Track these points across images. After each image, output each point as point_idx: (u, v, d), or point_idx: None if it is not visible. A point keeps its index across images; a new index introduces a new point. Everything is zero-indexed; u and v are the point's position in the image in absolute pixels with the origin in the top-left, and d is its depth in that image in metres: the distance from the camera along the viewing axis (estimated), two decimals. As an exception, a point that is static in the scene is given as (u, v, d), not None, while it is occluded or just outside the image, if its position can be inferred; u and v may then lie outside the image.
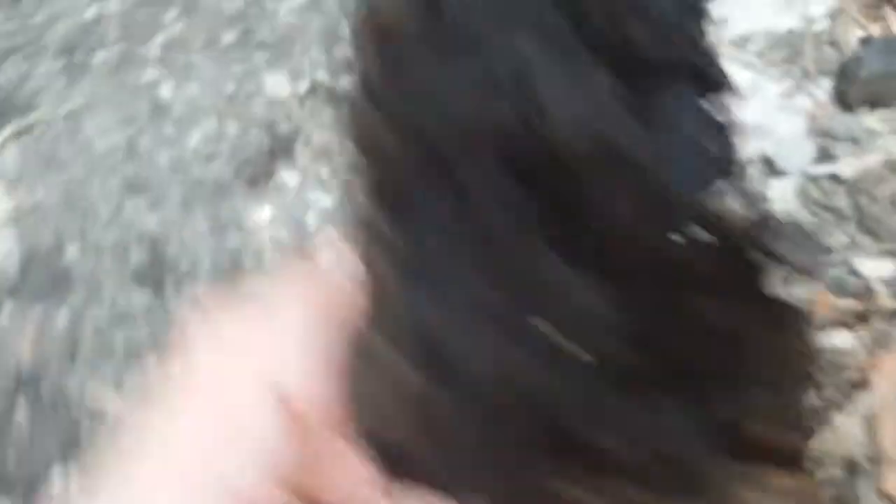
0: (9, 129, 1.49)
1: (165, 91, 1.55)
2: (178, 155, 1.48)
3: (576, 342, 0.18)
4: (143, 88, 1.56)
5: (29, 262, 1.39)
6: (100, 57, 1.59)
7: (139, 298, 1.36)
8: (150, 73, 1.57)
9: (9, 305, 1.34)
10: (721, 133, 0.19)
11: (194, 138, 1.49)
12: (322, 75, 1.54)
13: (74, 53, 1.60)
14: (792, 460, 0.22)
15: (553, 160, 0.18)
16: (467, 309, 0.19)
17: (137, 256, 1.39)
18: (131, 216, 1.42)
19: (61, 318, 1.34)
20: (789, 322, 0.22)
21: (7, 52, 1.58)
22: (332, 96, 1.53)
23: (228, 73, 1.56)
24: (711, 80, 0.20)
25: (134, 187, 1.45)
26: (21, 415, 1.26)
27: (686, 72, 0.19)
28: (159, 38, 1.61)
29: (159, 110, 1.53)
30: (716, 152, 0.19)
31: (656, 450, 0.19)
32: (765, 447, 0.21)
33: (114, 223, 1.41)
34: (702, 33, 0.20)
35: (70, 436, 1.25)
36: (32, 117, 1.51)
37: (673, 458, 0.20)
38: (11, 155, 1.48)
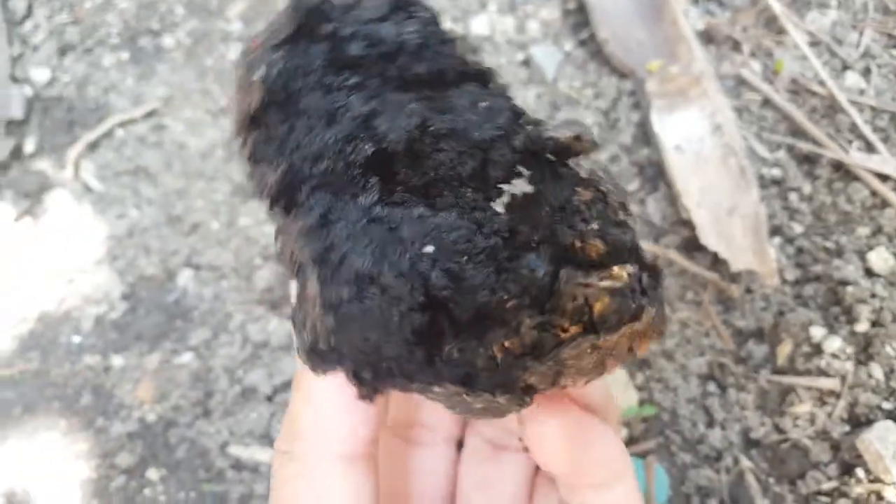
0: (81, 142, 1.24)
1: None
2: (292, 146, 1.21)
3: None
4: (230, 71, 1.28)
5: (136, 295, 1.14)
6: (170, 40, 1.32)
7: (275, 326, 1.12)
8: (234, 51, 1.29)
9: (118, 347, 1.11)
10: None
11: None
12: (447, 23, 1.25)
13: (139, 40, 1.32)
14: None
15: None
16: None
17: (264, 275, 1.14)
18: (249, 227, 1.17)
19: (185, 358, 1.10)
20: None
21: (62, 50, 1.31)
22: (466, 46, 1.25)
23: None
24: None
25: (246, 192, 1.19)
26: (153, 472, 1.05)
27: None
28: (237, 6, 1.33)
29: (257, 95, 1.26)
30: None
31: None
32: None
33: (230, 238, 1.15)
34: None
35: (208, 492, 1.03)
36: (106, 123, 1.25)
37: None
38: (90, 171, 1.22)
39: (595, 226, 0.29)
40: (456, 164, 0.30)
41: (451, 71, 0.32)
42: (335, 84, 0.30)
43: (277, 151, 0.30)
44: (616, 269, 0.28)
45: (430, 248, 0.28)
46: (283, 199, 0.31)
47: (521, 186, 0.30)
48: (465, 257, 0.28)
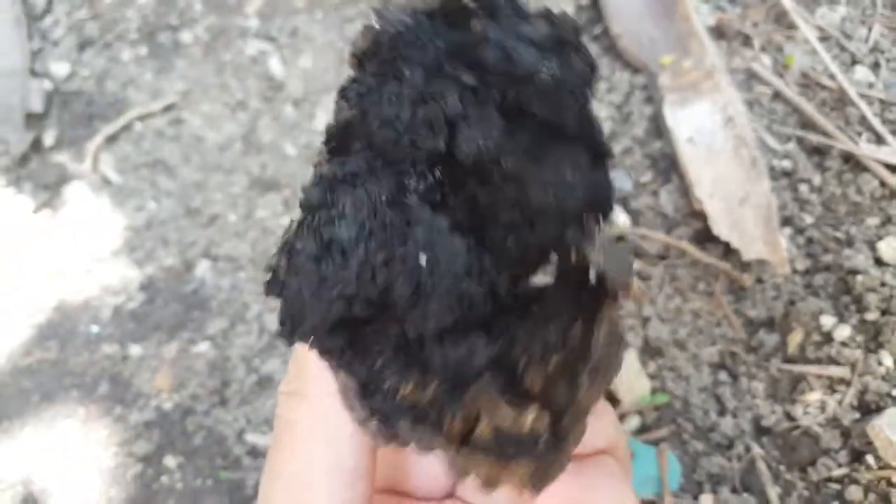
0: (100, 135, 1.26)
1: (275, 65, 1.29)
2: (307, 141, 1.23)
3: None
4: (247, 66, 1.30)
5: (153, 286, 1.16)
6: (188, 35, 1.34)
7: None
8: (251, 47, 1.32)
9: (136, 336, 1.13)
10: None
11: (321, 118, 1.24)
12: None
13: (158, 35, 1.35)
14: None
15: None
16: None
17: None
18: (267, 219, 1.19)
19: (203, 347, 1.12)
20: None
21: (81, 45, 1.33)
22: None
23: (345, 33, 1.30)
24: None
25: (263, 185, 1.21)
26: (170, 460, 1.06)
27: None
28: (254, 3, 1.35)
29: (273, 90, 1.28)
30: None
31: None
32: None
33: (247, 230, 1.17)
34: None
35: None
36: (125, 117, 1.27)
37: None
38: (109, 164, 1.24)
39: (550, 368, 0.29)
40: (505, 211, 0.30)
41: (570, 128, 0.31)
42: (446, 72, 0.29)
43: (358, 97, 0.31)
44: (528, 414, 0.28)
45: (422, 260, 0.29)
46: (338, 140, 0.32)
47: (541, 279, 0.32)
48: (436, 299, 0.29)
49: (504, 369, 0.29)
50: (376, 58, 0.30)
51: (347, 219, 0.29)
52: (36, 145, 1.25)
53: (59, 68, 1.30)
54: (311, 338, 0.31)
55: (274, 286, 0.31)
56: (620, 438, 0.39)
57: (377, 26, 0.30)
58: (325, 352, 0.31)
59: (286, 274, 0.31)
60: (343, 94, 0.31)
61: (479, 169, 0.30)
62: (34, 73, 1.29)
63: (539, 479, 0.29)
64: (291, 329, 0.31)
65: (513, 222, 0.30)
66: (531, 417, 0.28)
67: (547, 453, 0.29)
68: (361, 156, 0.31)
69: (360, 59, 0.31)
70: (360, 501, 0.33)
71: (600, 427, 0.36)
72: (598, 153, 0.32)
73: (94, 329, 1.14)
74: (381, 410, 0.30)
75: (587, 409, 0.29)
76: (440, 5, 0.30)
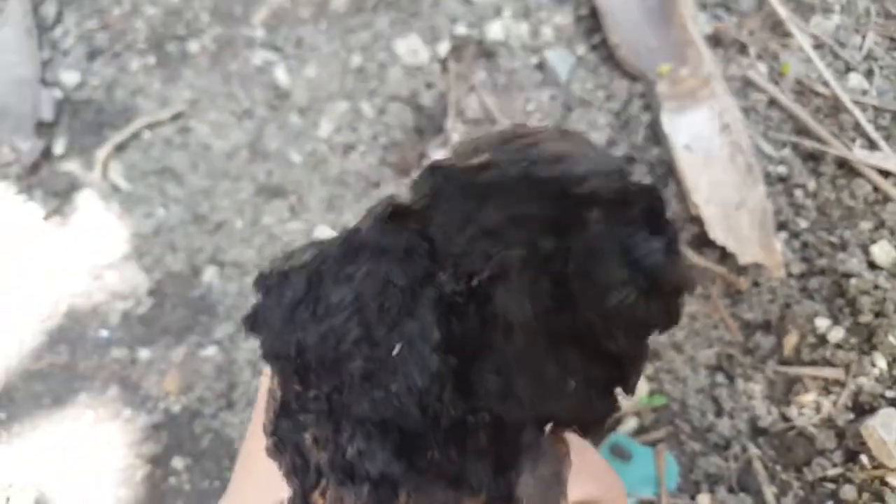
0: (109, 143, 1.28)
1: (281, 75, 1.32)
2: (312, 148, 1.25)
3: None
4: (253, 75, 1.33)
5: (162, 291, 1.19)
6: (196, 45, 1.37)
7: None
8: (258, 57, 1.34)
9: (145, 340, 1.15)
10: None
11: (325, 127, 1.27)
12: (463, 28, 1.30)
13: (166, 45, 1.37)
14: None
15: None
16: None
17: (285, 272, 1.18)
18: (273, 225, 1.21)
19: (210, 351, 1.14)
20: None
21: (91, 55, 1.36)
22: (481, 50, 1.29)
23: (350, 43, 1.33)
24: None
25: (269, 191, 1.23)
26: (178, 462, 1.08)
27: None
28: (260, 14, 1.38)
29: (279, 98, 1.30)
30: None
31: None
32: None
33: (254, 236, 1.20)
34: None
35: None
36: (134, 125, 1.29)
37: None
38: (118, 171, 1.27)
39: None
40: (490, 387, 0.31)
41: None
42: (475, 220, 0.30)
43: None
44: None
45: (395, 349, 0.31)
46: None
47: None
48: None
49: (387, 487, 0.30)
50: (470, 177, 0.31)
51: (349, 286, 0.31)
52: (46, 153, 1.28)
53: (70, 77, 1.33)
54: (266, 344, 0.33)
55: (260, 284, 0.33)
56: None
57: (483, 158, 0.30)
58: (267, 358, 0.33)
59: (270, 287, 0.33)
60: (432, 171, 0.31)
61: (495, 322, 0.30)
62: (45, 83, 1.32)
63: None
64: (255, 326, 0.33)
65: (488, 385, 0.31)
66: None
67: None
68: (410, 235, 0.32)
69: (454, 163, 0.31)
70: None
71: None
72: (621, 386, 0.33)
73: (104, 333, 1.16)
74: (281, 435, 0.32)
75: None
76: (556, 176, 0.29)
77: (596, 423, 0.33)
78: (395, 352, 0.30)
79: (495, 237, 0.29)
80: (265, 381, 0.37)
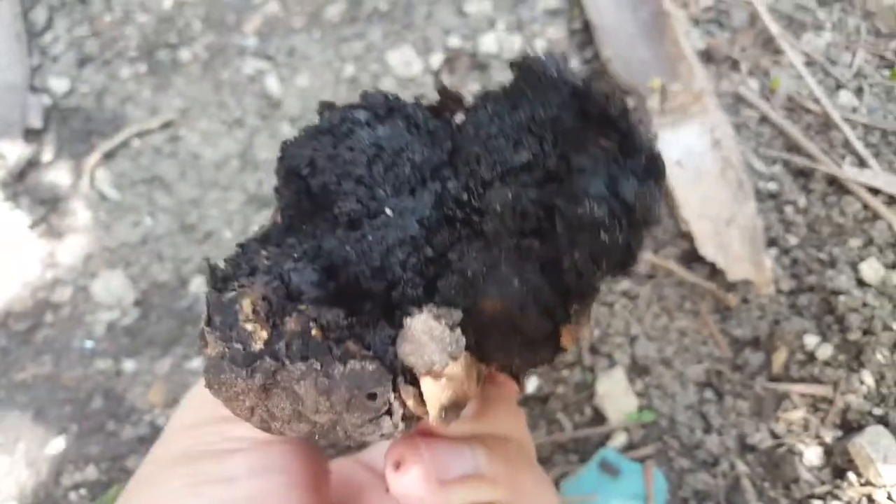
0: (98, 151, 1.27)
1: (272, 84, 1.31)
2: (303, 157, 1.24)
3: None
4: (245, 84, 1.32)
5: (148, 301, 1.18)
6: (187, 53, 1.36)
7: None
8: (249, 66, 1.34)
9: (130, 352, 1.14)
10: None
11: (316, 135, 1.26)
12: (456, 41, 1.30)
13: (157, 53, 1.37)
14: None
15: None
16: None
17: (274, 283, 1.17)
18: (261, 236, 1.20)
19: (196, 363, 1.13)
20: None
21: (81, 61, 1.35)
22: (475, 63, 1.29)
23: (342, 53, 1.32)
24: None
25: (259, 201, 1.23)
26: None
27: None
28: (253, 23, 1.37)
29: (270, 108, 1.30)
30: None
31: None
32: None
33: (242, 247, 1.18)
34: None
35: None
36: (123, 133, 1.28)
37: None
38: (106, 180, 1.26)
39: (314, 330, 0.31)
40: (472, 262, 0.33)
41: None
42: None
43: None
44: (254, 325, 0.30)
45: (388, 211, 0.33)
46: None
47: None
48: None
49: (295, 294, 0.32)
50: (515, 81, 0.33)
51: (372, 135, 0.34)
52: (34, 161, 1.27)
53: (59, 84, 1.32)
54: (283, 163, 0.35)
55: (325, 109, 0.37)
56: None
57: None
58: (277, 173, 0.36)
59: (325, 110, 0.37)
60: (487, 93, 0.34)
61: (486, 219, 0.32)
62: (33, 89, 1.31)
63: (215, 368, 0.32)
64: (286, 145, 0.36)
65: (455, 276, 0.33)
66: (253, 328, 0.30)
67: (236, 360, 0.31)
68: (443, 125, 0.36)
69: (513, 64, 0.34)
70: None
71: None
72: (552, 339, 0.34)
73: (88, 344, 1.15)
74: (268, 251, 0.34)
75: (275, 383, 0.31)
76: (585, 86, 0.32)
77: (526, 350, 0.34)
78: (387, 210, 0.32)
79: (511, 141, 0.32)
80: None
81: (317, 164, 0.34)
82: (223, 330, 0.30)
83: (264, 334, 0.30)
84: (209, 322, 0.31)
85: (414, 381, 0.31)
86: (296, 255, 0.33)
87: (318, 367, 0.29)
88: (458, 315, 0.30)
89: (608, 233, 0.30)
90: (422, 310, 0.30)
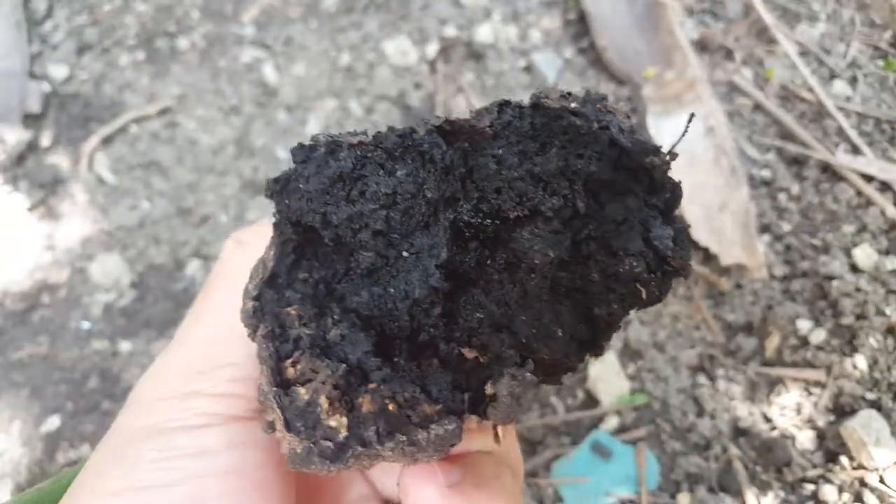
0: (96, 136, 1.28)
1: (269, 72, 1.32)
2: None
3: None
4: (242, 72, 1.33)
5: (144, 283, 1.18)
6: (185, 42, 1.37)
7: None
8: (246, 54, 1.35)
9: (126, 333, 1.14)
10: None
11: (313, 124, 1.27)
12: (452, 30, 1.30)
13: (155, 41, 1.38)
14: None
15: None
16: None
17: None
18: (257, 220, 1.21)
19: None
20: None
21: (80, 49, 1.36)
22: (470, 52, 1.29)
23: (339, 43, 1.33)
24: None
25: (255, 187, 1.23)
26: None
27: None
28: (251, 12, 1.38)
29: (266, 96, 1.31)
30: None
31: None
32: None
33: (238, 230, 1.19)
34: None
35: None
36: (121, 119, 1.29)
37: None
38: (104, 164, 1.26)
39: (390, 406, 0.31)
40: (494, 299, 0.33)
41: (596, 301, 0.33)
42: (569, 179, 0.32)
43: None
44: (339, 418, 0.31)
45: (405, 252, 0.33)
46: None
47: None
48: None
49: (357, 375, 0.32)
50: (546, 119, 0.33)
51: (388, 182, 0.33)
52: (33, 145, 1.28)
53: (58, 71, 1.33)
54: (283, 211, 0.34)
55: (302, 153, 0.34)
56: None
57: (572, 105, 0.32)
58: (277, 225, 0.34)
59: (316, 156, 0.34)
60: (502, 106, 0.33)
61: (512, 258, 0.33)
62: (33, 76, 1.32)
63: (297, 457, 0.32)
64: (280, 191, 0.34)
65: (489, 311, 0.33)
66: (335, 423, 0.31)
67: (318, 451, 0.31)
68: (454, 153, 0.34)
69: (538, 105, 0.33)
70: None
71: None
72: (594, 347, 0.35)
73: (85, 325, 1.15)
74: (262, 304, 0.33)
75: (371, 460, 0.32)
76: (631, 144, 0.31)
77: (560, 374, 0.35)
78: (404, 254, 0.32)
79: (540, 183, 0.32)
80: (230, 247, 0.38)
81: (330, 220, 0.33)
82: (308, 431, 0.31)
83: (345, 421, 0.31)
84: (289, 427, 0.31)
85: (472, 409, 0.33)
86: (335, 316, 0.33)
87: (404, 439, 0.30)
88: (531, 376, 0.31)
89: (645, 286, 0.31)
90: (503, 375, 0.31)
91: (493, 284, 0.33)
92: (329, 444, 0.30)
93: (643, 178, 0.31)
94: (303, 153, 0.34)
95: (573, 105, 0.31)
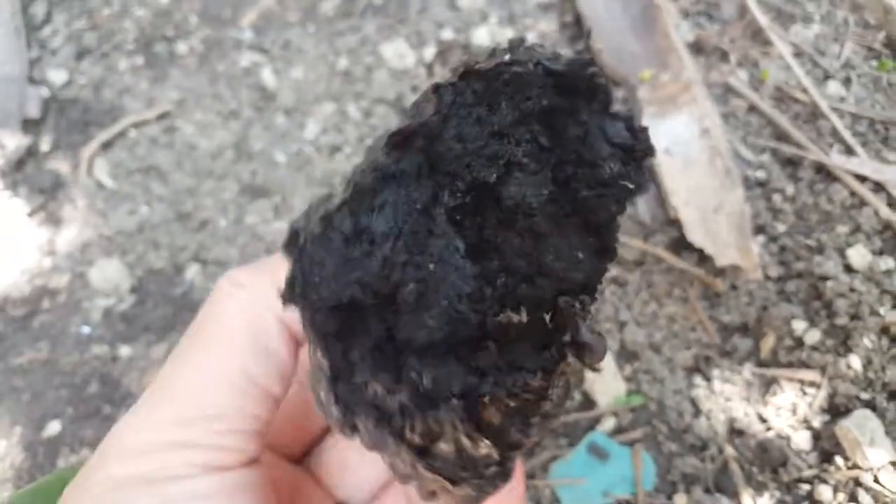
0: (95, 141, 1.29)
1: (267, 76, 1.33)
2: (297, 149, 1.26)
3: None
4: (240, 76, 1.34)
5: (144, 288, 1.19)
6: (184, 46, 1.38)
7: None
8: (245, 58, 1.35)
9: (126, 337, 1.15)
10: None
11: (312, 128, 1.28)
12: (449, 34, 1.31)
13: (154, 46, 1.38)
14: None
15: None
16: None
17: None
18: (256, 225, 1.21)
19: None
20: None
21: (79, 54, 1.37)
22: (468, 55, 1.30)
23: (337, 46, 1.34)
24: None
25: (253, 191, 1.24)
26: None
27: None
28: (249, 16, 1.39)
29: (265, 100, 1.31)
30: None
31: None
32: None
33: (237, 235, 1.20)
34: None
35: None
36: (120, 124, 1.30)
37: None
38: (103, 169, 1.27)
39: (509, 410, 0.32)
40: (515, 258, 0.34)
41: (598, 221, 0.35)
42: (531, 124, 0.34)
43: (450, 103, 0.34)
44: (483, 443, 0.31)
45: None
46: (406, 134, 0.34)
47: (516, 316, 0.34)
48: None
49: (470, 398, 0.31)
50: (485, 81, 0.33)
51: (386, 214, 0.32)
52: (32, 150, 1.28)
53: (57, 76, 1.34)
54: (312, 310, 0.32)
55: (293, 248, 0.33)
56: None
57: (506, 58, 0.33)
58: (313, 326, 0.33)
59: (310, 241, 0.32)
60: (437, 90, 0.33)
61: (511, 214, 0.34)
62: (32, 81, 1.33)
63: (473, 502, 0.32)
64: (301, 293, 0.33)
65: (518, 270, 0.34)
66: (485, 449, 0.31)
67: (488, 483, 0.32)
68: (417, 157, 0.33)
69: (470, 72, 0.33)
70: (262, 408, 0.36)
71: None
72: (608, 251, 0.36)
73: (85, 330, 1.16)
74: (345, 400, 0.32)
75: (531, 448, 0.33)
76: (566, 67, 0.33)
77: (595, 286, 0.37)
78: (431, 268, 0.33)
79: (503, 137, 0.34)
80: (225, 288, 0.36)
81: (366, 281, 0.33)
82: (471, 472, 0.32)
83: (488, 442, 0.31)
84: (455, 482, 0.32)
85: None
86: (415, 366, 0.33)
87: (538, 419, 0.32)
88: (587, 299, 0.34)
89: (627, 178, 0.34)
90: (573, 314, 0.33)
91: (507, 244, 0.34)
92: (493, 468, 0.31)
93: (583, 91, 0.34)
94: (296, 248, 0.33)
95: (506, 58, 0.33)
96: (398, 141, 0.33)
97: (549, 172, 0.34)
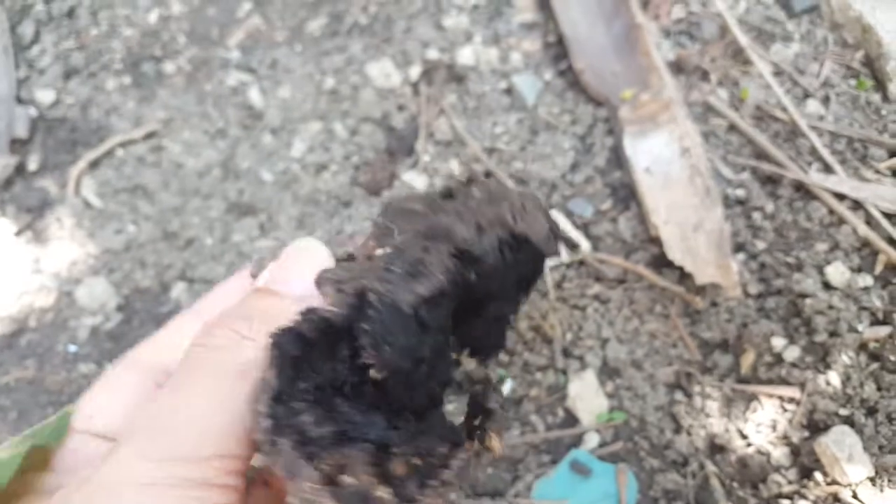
0: (83, 161, 1.30)
1: (255, 95, 1.34)
2: (284, 168, 1.27)
3: None
4: (228, 95, 1.35)
5: (131, 306, 1.19)
6: (171, 66, 1.39)
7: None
8: (232, 78, 1.37)
9: (113, 356, 1.16)
10: None
11: (298, 146, 1.29)
12: (434, 53, 1.33)
13: (142, 65, 1.40)
14: None
15: None
16: None
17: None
18: (242, 243, 1.22)
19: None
20: None
21: (67, 74, 1.38)
22: (452, 74, 1.32)
23: (323, 66, 1.35)
24: None
25: (240, 209, 1.25)
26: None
27: None
28: (236, 36, 1.40)
29: (252, 119, 1.33)
30: None
31: None
32: None
33: (223, 253, 1.21)
34: None
35: None
36: (107, 143, 1.31)
37: None
38: (91, 188, 1.28)
39: (416, 461, 0.35)
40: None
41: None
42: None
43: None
44: (382, 488, 0.34)
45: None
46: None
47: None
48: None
49: (382, 448, 0.35)
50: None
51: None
52: (20, 169, 1.29)
53: (45, 96, 1.35)
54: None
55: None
56: None
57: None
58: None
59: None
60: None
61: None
62: (20, 100, 1.34)
63: None
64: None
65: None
66: (383, 493, 0.34)
67: None
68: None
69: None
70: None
71: None
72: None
73: (72, 348, 1.17)
74: (276, 418, 0.35)
75: None
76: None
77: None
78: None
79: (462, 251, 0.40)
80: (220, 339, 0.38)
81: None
82: None
83: (389, 489, 0.34)
84: None
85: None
86: (344, 409, 0.37)
87: (437, 483, 0.35)
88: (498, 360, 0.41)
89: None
90: (488, 390, 0.42)
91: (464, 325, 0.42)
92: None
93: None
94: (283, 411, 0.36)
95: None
96: (315, 342, 0.37)
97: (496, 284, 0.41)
